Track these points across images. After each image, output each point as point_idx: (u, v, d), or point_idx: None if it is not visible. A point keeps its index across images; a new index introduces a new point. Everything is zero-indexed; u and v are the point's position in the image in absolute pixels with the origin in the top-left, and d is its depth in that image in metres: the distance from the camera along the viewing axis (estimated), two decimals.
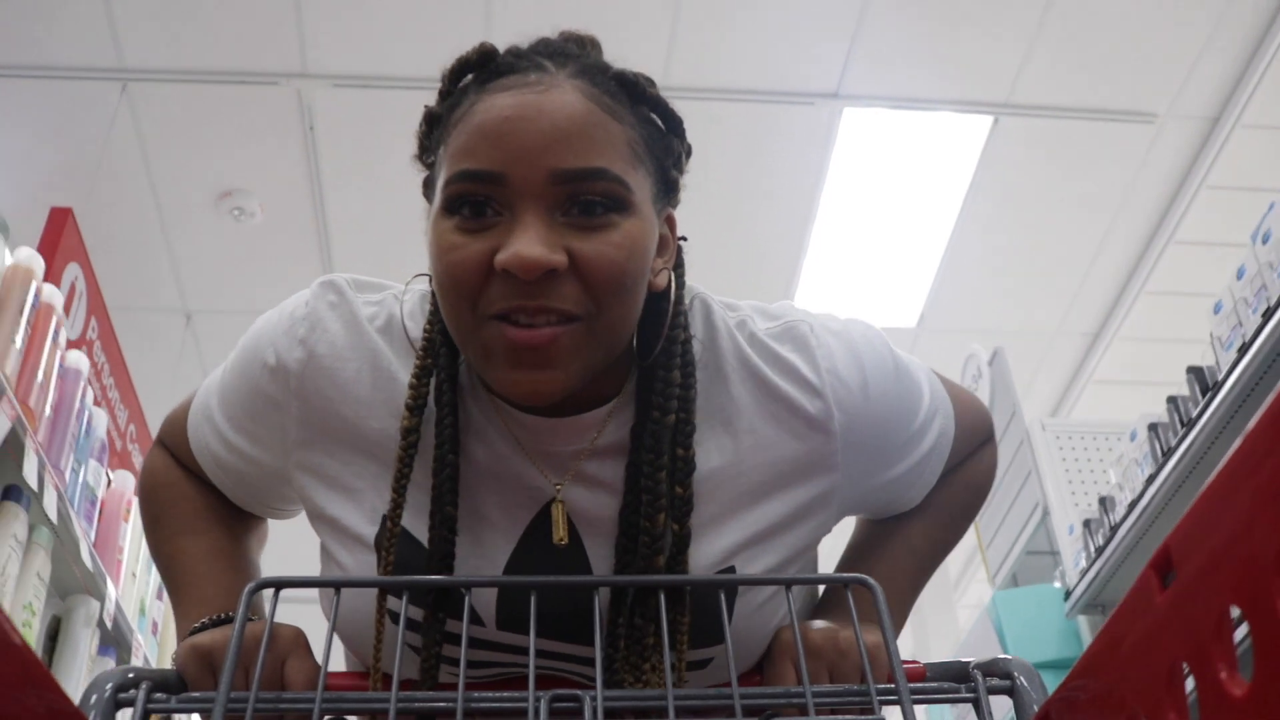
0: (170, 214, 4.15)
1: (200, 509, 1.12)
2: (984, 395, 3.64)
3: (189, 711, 0.80)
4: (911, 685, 0.81)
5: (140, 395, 3.53)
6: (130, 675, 0.80)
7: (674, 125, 0.97)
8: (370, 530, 0.96)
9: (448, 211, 0.89)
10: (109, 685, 0.78)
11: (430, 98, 0.96)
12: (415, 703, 0.79)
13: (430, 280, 0.95)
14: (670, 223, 0.99)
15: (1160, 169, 4.05)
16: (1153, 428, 2.98)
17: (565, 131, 0.86)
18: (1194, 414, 2.67)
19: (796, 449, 0.96)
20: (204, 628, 0.95)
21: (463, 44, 0.95)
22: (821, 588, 1.14)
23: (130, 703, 0.78)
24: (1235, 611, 0.47)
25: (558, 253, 0.85)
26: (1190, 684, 0.51)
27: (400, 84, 3.68)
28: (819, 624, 0.94)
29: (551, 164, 0.86)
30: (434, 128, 0.96)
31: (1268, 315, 2.41)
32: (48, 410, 2.36)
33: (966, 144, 4.06)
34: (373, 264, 3.46)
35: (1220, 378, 2.55)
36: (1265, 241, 2.56)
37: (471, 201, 0.87)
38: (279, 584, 0.78)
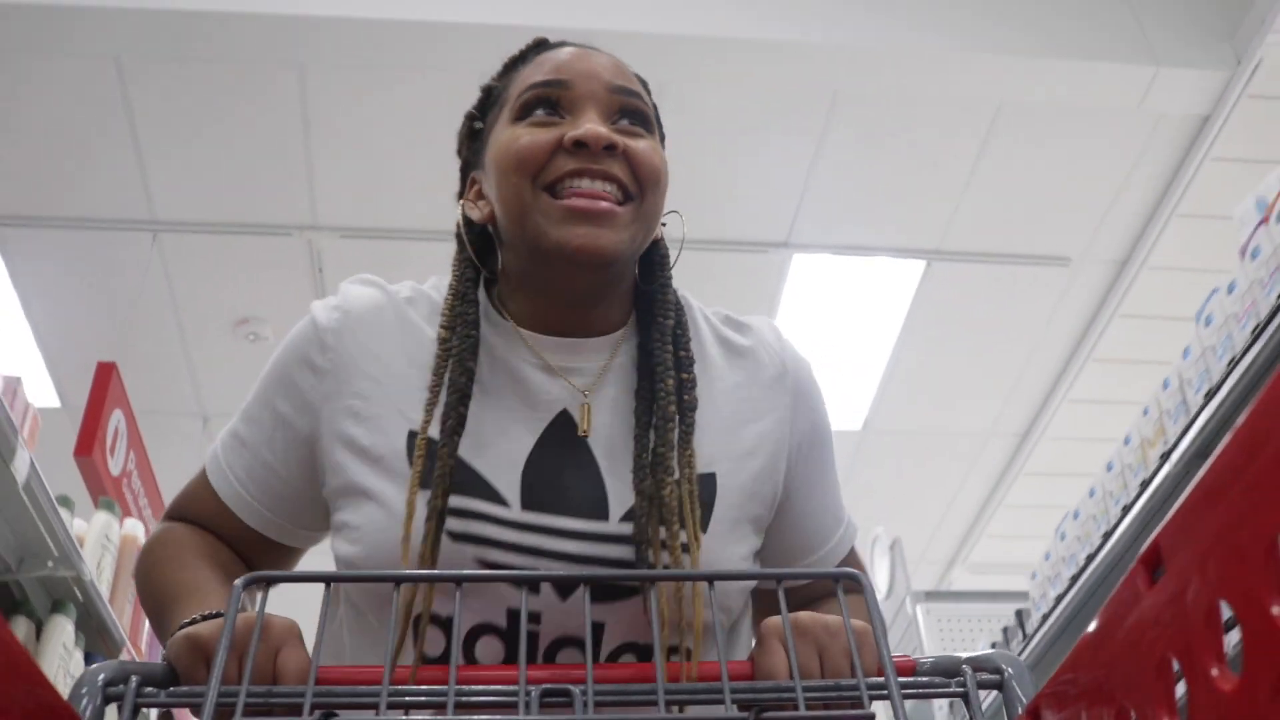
0: (191, 336, 4.74)
1: (201, 550, 1.11)
2: (882, 574, 4.26)
3: (179, 706, 0.80)
4: (901, 680, 0.81)
5: (160, 485, 3.93)
6: (120, 669, 0.79)
7: (663, 133, 1.17)
8: (400, 445, 1.04)
9: (519, 117, 1.08)
10: (99, 679, 0.78)
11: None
12: (406, 696, 0.79)
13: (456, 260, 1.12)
14: None
15: (1075, 305, 4.66)
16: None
17: (616, 66, 1.12)
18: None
19: (759, 393, 1.12)
20: (194, 623, 0.95)
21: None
22: None
23: (120, 696, 0.77)
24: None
25: (616, 137, 1.05)
26: (1180, 678, 0.51)
27: (399, 235, 4.18)
28: (806, 612, 0.95)
29: (608, 79, 1.09)
30: (490, 95, 1.16)
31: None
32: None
33: (902, 285, 4.69)
34: None
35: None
36: (1166, 387, 2.94)
37: (543, 103, 1.07)
38: (269, 579, 0.78)
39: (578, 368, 1.09)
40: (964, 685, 0.81)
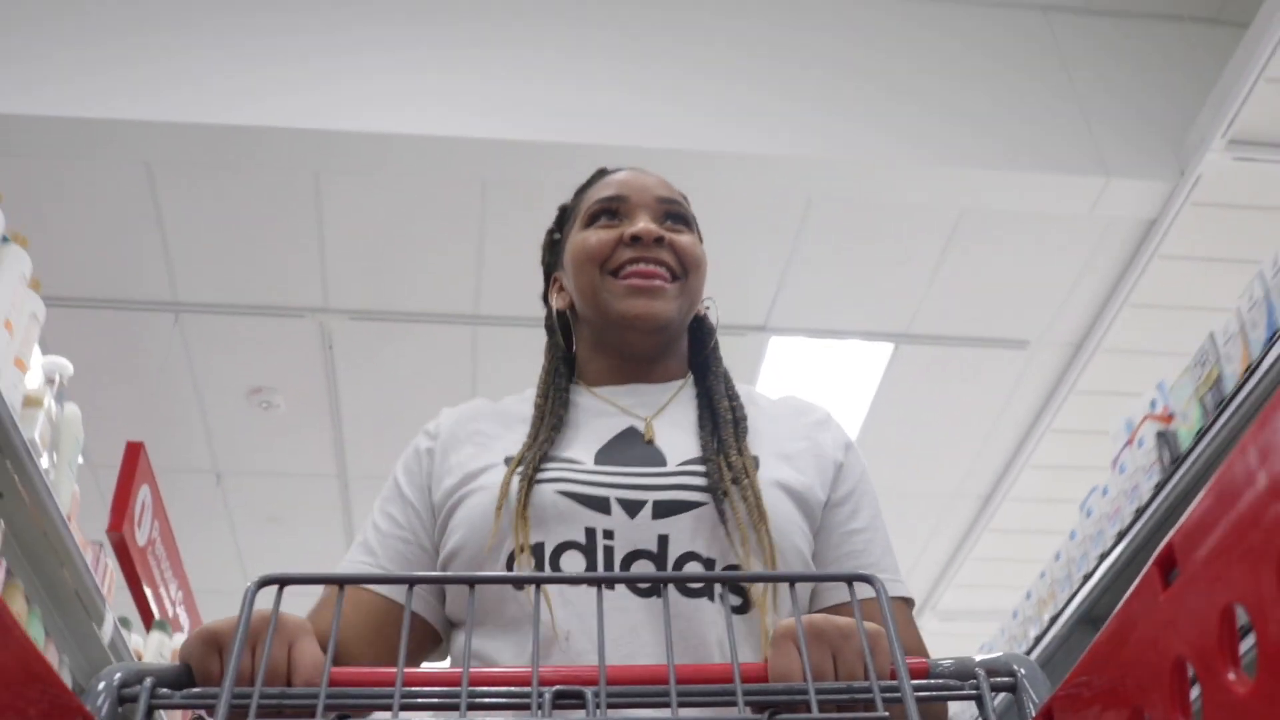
0: (208, 402, 5.12)
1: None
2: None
3: (193, 707, 0.80)
4: (914, 682, 0.81)
5: (178, 543, 4.21)
6: (135, 670, 0.80)
7: (701, 238, 1.45)
8: (499, 460, 1.27)
9: (588, 223, 1.39)
10: (113, 680, 0.78)
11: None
12: (419, 697, 0.79)
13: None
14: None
15: (1033, 384, 5.05)
16: None
17: (663, 183, 1.44)
18: None
19: (802, 427, 1.34)
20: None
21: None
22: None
23: (135, 698, 0.78)
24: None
25: (663, 231, 1.35)
26: (1194, 681, 0.51)
27: (400, 317, 4.59)
28: (820, 614, 0.95)
29: (656, 194, 1.41)
30: (565, 214, 1.47)
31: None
32: None
33: (872, 365, 5.08)
34: (378, 450, 5.20)
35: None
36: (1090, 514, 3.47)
37: (606, 212, 1.39)
38: (283, 580, 0.78)
39: (642, 403, 1.34)
40: (977, 688, 0.81)
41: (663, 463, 1.25)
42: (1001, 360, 4.95)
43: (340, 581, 0.80)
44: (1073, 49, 4.31)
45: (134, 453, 3.64)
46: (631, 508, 1.18)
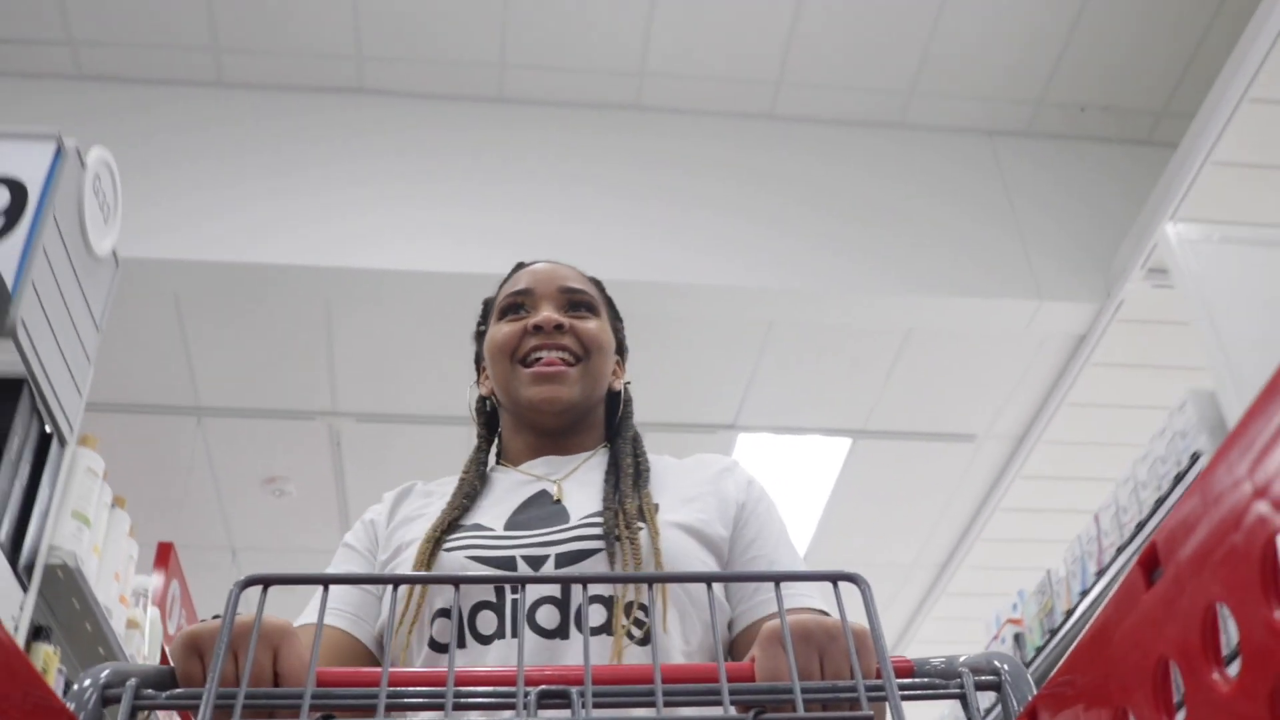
0: (225, 490, 5.57)
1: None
2: None
3: (176, 708, 0.80)
4: (900, 681, 0.81)
5: (195, 608, 4.55)
6: (119, 671, 0.79)
7: (619, 317, 1.62)
8: (421, 534, 1.34)
9: (499, 319, 1.52)
10: (96, 681, 0.78)
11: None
12: (404, 698, 0.79)
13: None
14: (619, 365, 1.58)
15: (980, 472, 5.55)
16: None
17: (566, 274, 1.56)
18: None
19: (704, 476, 1.43)
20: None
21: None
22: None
23: (118, 699, 0.77)
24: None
25: (563, 319, 1.47)
26: (1178, 679, 0.51)
27: (405, 419, 5.05)
28: (809, 615, 0.95)
29: (559, 284, 1.53)
30: (487, 308, 1.59)
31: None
32: None
33: (832, 458, 5.51)
34: None
35: None
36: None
37: (514, 305, 1.51)
38: (267, 581, 0.78)
39: (555, 471, 1.44)
40: (961, 687, 0.82)
41: (566, 519, 1.32)
42: (951, 452, 5.42)
43: (325, 581, 0.80)
44: (1015, 172, 4.73)
45: (165, 552, 4.00)
46: (535, 563, 1.26)
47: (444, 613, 1.24)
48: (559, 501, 1.37)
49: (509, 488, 1.43)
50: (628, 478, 1.38)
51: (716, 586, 1.27)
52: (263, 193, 4.22)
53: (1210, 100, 3.68)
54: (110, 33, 4.24)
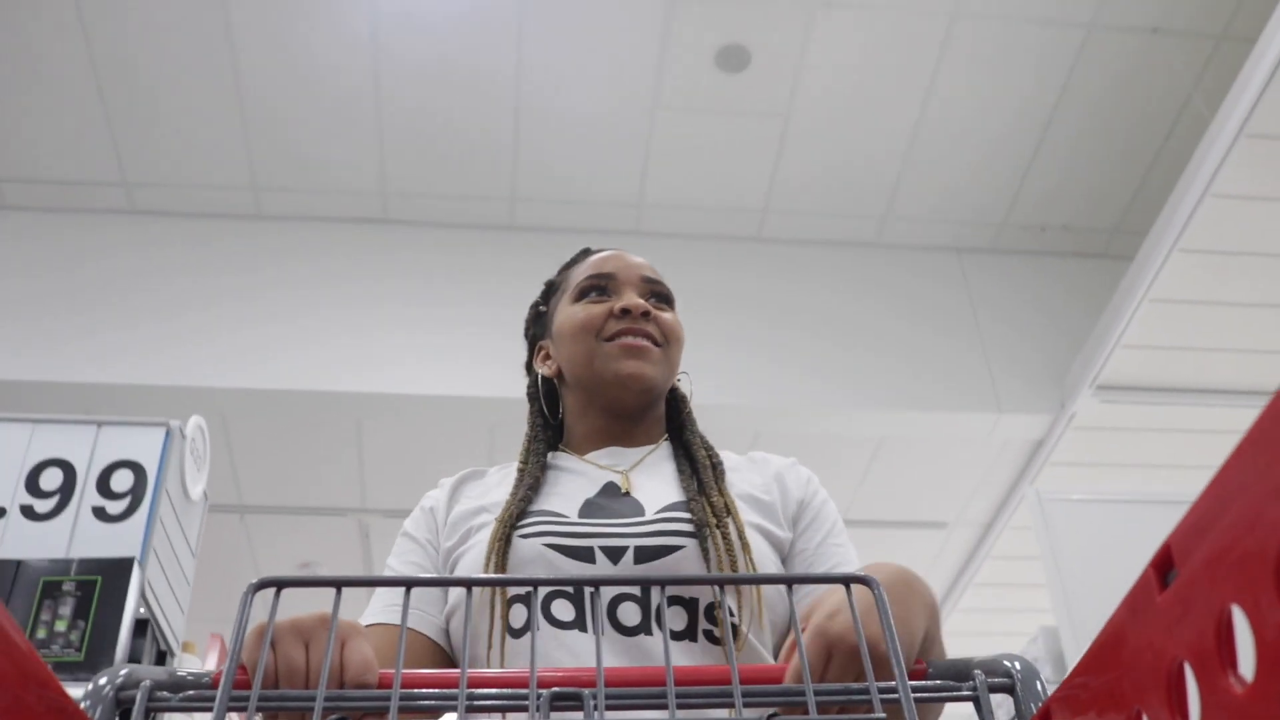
0: (264, 568, 6.07)
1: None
2: None
3: (191, 710, 0.80)
4: (912, 683, 0.81)
5: None
6: (132, 673, 0.80)
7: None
8: (490, 519, 1.32)
9: (577, 299, 1.50)
10: (111, 683, 0.78)
11: None
12: (418, 700, 0.79)
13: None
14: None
15: (952, 554, 6.04)
16: None
17: (648, 265, 1.55)
18: None
19: (765, 475, 1.43)
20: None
21: None
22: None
23: (131, 701, 0.78)
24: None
25: (649, 306, 1.47)
26: (1192, 682, 0.51)
27: None
28: (840, 629, 0.95)
29: (641, 273, 1.53)
30: (552, 287, 1.61)
31: None
32: None
33: None
34: None
35: None
36: None
37: (596, 287, 1.50)
38: (280, 583, 0.78)
39: (619, 462, 1.42)
40: (974, 689, 0.81)
41: (641, 512, 1.30)
42: (925, 537, 5.91)
43: (338, 584, 0.80)
44: (981, 286, 5.29)
45: (215, 641, 4.30)
46: (615, 555, 1.23)
47: (519, 599, 1.23)
48: (628, 494, 1.35)
49: (576, 475, 1.41)
50: (706, 469, 1.37)
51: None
52: (296, 323, 4.83)
53: (1146, 246, 4.22)
54: (160, 174, 4.86)
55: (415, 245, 5.06)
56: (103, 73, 4.45)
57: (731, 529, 1.25)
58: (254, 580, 0.77)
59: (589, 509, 1.32)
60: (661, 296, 1.53)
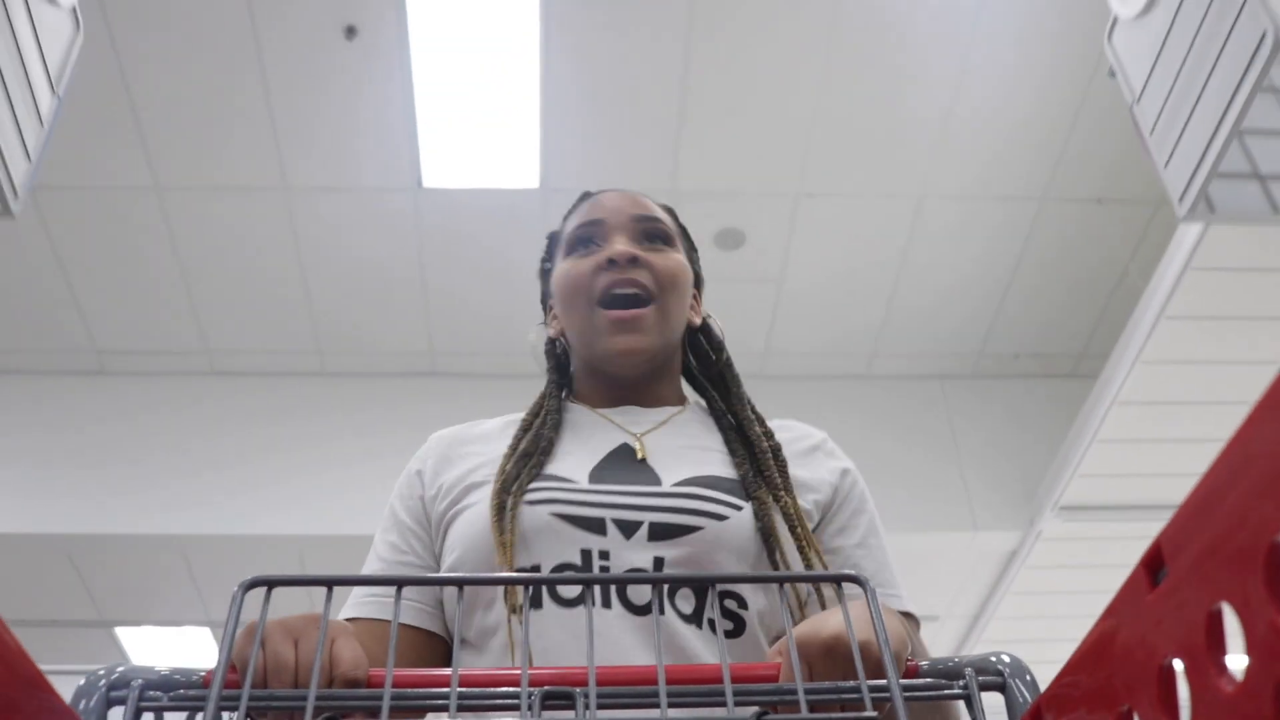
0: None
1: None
2: None
3: (182, 710, 0.80)
4: (903, 682, 0.81)
5: None
6: (123, 673, 0.80)
7: (693, 246, 1.50)
8: (490, 477, 1.26)
9: (568, 254, 1.41)
10: (102, 683, 0.78)
11: None
12: (408, 700, 0.79)
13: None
14: (696, 299, 1.47)
15: (945, 641, 6.30)
16: None
17: (638, 201, 1.44)
18: None
19: (798, 452, 1.35)
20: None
21: None
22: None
23: (123, 700, 0.77)
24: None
25: (638, 251, 1.36)
26: (1183, 680, 0.51)
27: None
28: (832, 625, 0.95)
29: (630, 212, 1.41)
30: (553, 240, 1.50)
31: None
32: None
33: None
34: None
35: None
36: None
37: (583, 239, 1.40)
38: (271, 582, 0.78)
39: (635, 422, 1.35)
40: (966, 687, 0.81)
41: (657, 482, 1.23)
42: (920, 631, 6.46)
43: (329, 583, 0.80)
44: (960, 409, 5.83)
45: None
46: (627, 529, 1.17)
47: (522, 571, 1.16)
48: (644, 460, 1.28)
49: (589, 432, 1.34)
50: (766, 458, 1.27)
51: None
52: (243, 475, 5.29)
53: (1091, 398, 4.79)
54: (125, 341, 5.52)
55: (458, 395, 5.56)
56: (187, 264, 5.23)
57: (803, 543, 1.19)
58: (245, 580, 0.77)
59: (600, 473, 1.25)
60: (657, 236, 1.41)
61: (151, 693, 0.79)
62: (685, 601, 1.14)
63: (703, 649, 1.11)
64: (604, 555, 1.16)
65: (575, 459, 1.28)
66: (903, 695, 0.74)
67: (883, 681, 0.78)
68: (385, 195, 4.98)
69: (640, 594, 1.14)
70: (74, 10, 2.95)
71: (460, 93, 4.60)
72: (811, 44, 4.52)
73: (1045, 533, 5.43)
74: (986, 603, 6.09)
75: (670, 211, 1.49)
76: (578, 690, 0.76)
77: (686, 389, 1.48)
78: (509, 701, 0.79)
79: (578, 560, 1.16)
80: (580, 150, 4.78)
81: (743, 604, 1.16)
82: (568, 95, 4.61)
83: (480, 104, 4.66)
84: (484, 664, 1.16)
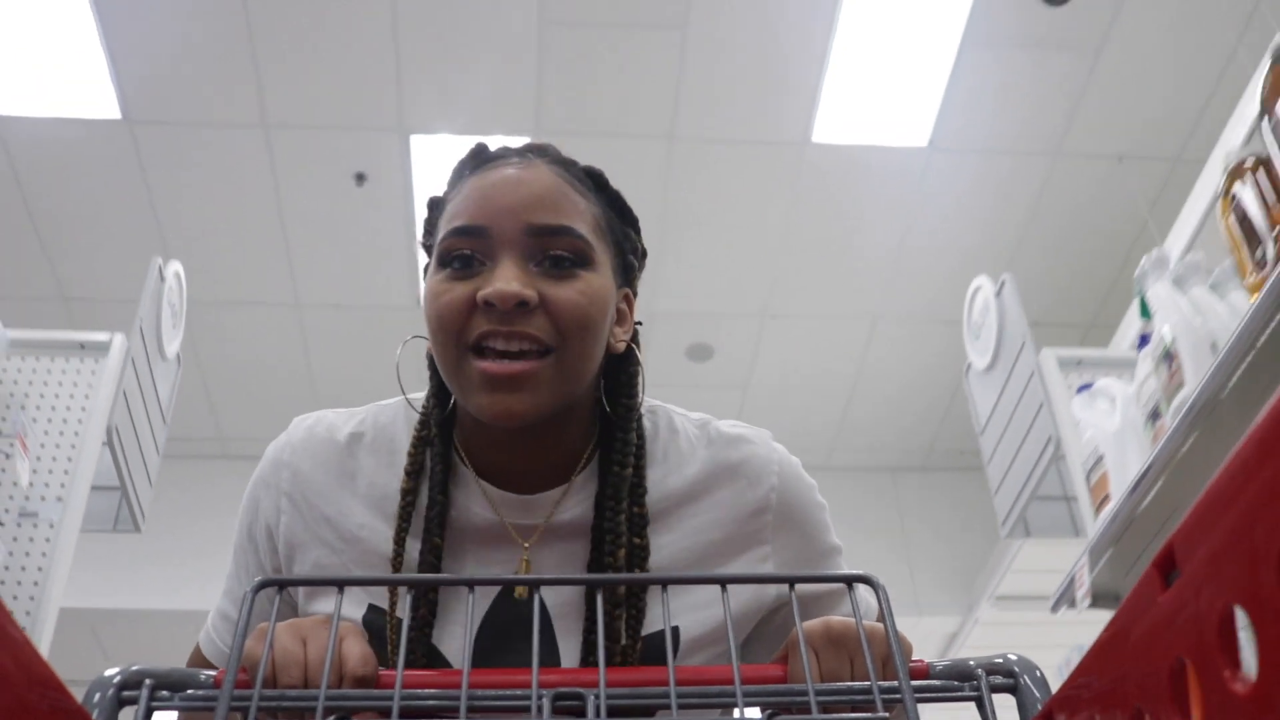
0: None
1: None
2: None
3: (192, 710, 0.80)
4: (915, 684, 0.81)
5: None
6: (134, 672, 0.80)
7: (630, 220, 1.15)
8: (358, 614, 1.05)
9: (440, 265, 1.05)
10: (113, 683, 0.78)
11: None
12: (418, 700, 0.79)
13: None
14: (628, 301, 1.15)
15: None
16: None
17: (540, 196, 1.04)
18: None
19: (734, 530, 1.11)
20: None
21: None
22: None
23: (134, 700, 0.78)
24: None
25: (530, 289, 1.00)
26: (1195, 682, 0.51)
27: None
28: (839, 617, 0.95)
29: (527, 219, 1.03)
30: (435, 210, 1.13)
31: None
32: None
33: None
34: None
35: None
36: None
37: (460, 254, 1.04)
38: (282, 583, 0.78)
39: (527, 524, 1.09)
40: (977, 689, 0.81)
41: (555, 656, 1.04)
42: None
43: (340, 584, 0.80)
44: (909, 501, 6.43)
45: None
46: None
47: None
48: (523, 599, 1.04)
49: (472, 544, 1.08)
50: (617, 608, 1.03)
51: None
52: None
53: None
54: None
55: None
56: (205, 364, 5.74)
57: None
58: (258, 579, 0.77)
59: (486, 644, 1.03)
60: (565, 254, 1.03)
61: (162, 692, 0.80)
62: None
63: None
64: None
65: (453, 622, 1.05)
66: (914, 696, 0.74)
67: (894, 683, 0.78)
68: (386, 312, 5.63)
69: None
70: (177, 356, 3.65)
71: None
72: (779, 184, 5.12)
73: (982, 619, 6.08)
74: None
75: (596, 180, 1.12)
76: (588, 692, 0.76)
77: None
78: (519, 704, 0.79)
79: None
80: None
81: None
82: None
83: None
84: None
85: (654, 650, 1.04)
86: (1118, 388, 2.57)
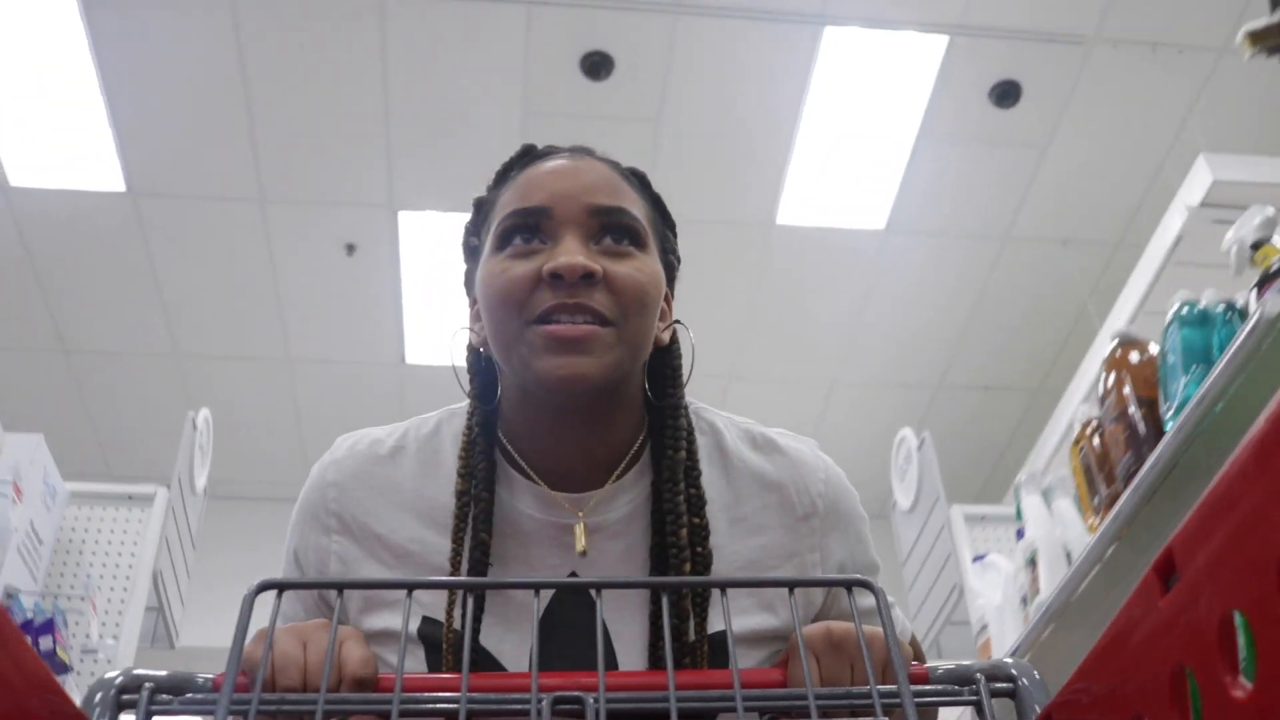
0: None
1: None
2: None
3: (192, 714, 0.80)
4: (914, 688, 0.81)
5: None
6: (133, 676, 0.80)
7: (671, 223, 1.17)
8: (412, 626, 1.02)
9: (498, 248, 1.06)
10: (112, 687, 0.78)
11: None
12: (418, 704, 0.79)
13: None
14: (667, 301, 1.15)
15: None
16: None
17: (599, 181, 1.08)
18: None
19: (781, 537, 1.10)
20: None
21: None
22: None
23: (134, 704, 0.78)
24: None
25: (595, 263, 1.02)
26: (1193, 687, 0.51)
27: None
28: (840, 622, 0.95)
29: (588, 200, 1.05)
30: (482, 210, 1.14)
31: None
32: None
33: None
34: None
35: None
36: None
37: (522, 231, 1.05)
38: (282, 585, 0.78)
39: (580, 523, 1.06)
40: (977, 693, 0.81)
41: (613, 660, 1.02)
42: None
43: (339, 586, 0.80)
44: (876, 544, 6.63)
45: None
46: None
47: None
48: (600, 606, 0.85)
49: (522, 547, 1.06)
50: (684, 598, 1.01)
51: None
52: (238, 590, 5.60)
53: None
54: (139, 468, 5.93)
55: (234, 525, 5.90)
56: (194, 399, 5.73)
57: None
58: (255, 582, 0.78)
59: (548, 655, 0.99)
60: (622, 232, 1.06)
61: (162, 695, 0.80)
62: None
63: None
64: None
65: (509, 627, 1.03)
66: (913, 701, 0.74)
67: (893, 687, 0.78)
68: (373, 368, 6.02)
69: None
70: (204, 490, 4.08)
71: (444, 287, 5.44)
72: (745, 261, 5.49)
73: None
74: None
75: (641, 180, 1.15)
76: (588, 695, 0.76)
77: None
78: (519, 707, 0.79)
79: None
80: None
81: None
82: None
83: (461, 301, 5.29)
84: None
85: (714, 650, 1.02)
86: (1004, 565, 3.08)
